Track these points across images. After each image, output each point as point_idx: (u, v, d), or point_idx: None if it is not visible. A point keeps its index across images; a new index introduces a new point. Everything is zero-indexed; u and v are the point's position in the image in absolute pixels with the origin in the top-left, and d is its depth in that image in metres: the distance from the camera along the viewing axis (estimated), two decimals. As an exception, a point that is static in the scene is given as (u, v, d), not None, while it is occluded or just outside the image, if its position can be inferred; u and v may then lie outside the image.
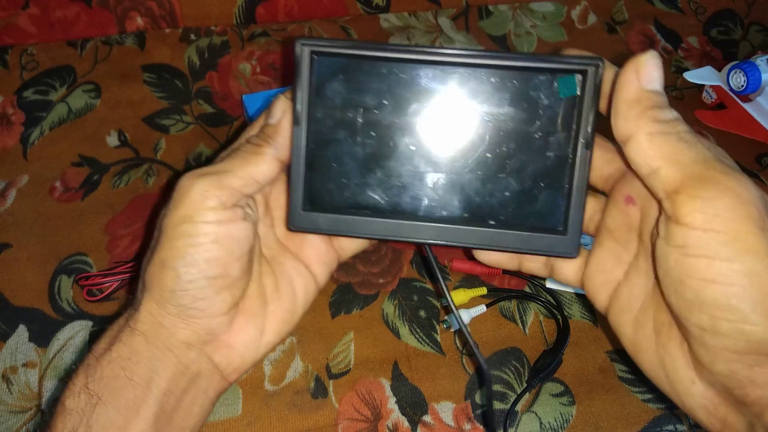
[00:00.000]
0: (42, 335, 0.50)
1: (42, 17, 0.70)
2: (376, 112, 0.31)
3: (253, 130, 0.33)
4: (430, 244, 0.32)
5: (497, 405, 0.49)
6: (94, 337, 0.50)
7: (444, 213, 0.32)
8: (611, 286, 0.31)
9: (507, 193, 0.32)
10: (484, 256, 0.35)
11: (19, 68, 0.67)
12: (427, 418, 0.48)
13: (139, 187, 0.59)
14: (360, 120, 0.31)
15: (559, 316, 0.53)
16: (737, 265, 0.24)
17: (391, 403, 0.49)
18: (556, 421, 0.48)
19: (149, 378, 0.29)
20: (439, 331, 0.52)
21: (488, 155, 0.31)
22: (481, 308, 0.53)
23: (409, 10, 0.79)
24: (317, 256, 0.35)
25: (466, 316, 0.52)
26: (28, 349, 0.49)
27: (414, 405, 0.49)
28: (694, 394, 0.27)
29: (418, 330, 0.52)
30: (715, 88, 0.70)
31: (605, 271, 0.32)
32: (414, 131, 0.31)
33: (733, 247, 0.24)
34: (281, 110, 0.31)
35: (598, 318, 0.54)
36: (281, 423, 0.47)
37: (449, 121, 0.31)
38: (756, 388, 0.25)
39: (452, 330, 0.52)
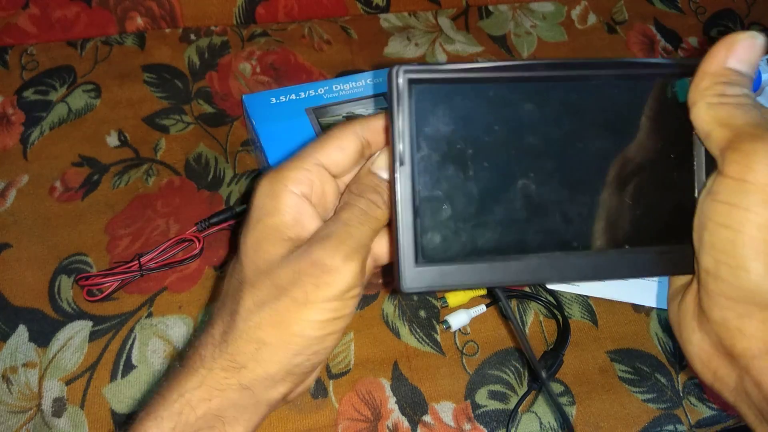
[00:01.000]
0: (42, 335, 0.50)
1: (42, 17, 0.70)
2: (487, 140, 0.28)
3: (331, 164, 0.30)
4: (567, 282, 0.30)
5: (497, 405, 0.49)
6: (94, 337, 0.50)
7: (576, 243, 0.29)
8: None
9: (639, 211, 0.29)
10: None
11: (19, 68, 0.67)
12: (427, 418, 0.48)
13: (139, 187, 0.59)
14: (470, 152, 0.28)
15: (559, 316, 0.53)
16: (753, 215, 0.25)
17: (391, 403, 0.49)
18: (556, 421, 0.48)
19: (241, 428, 0.30)
20: (439, 331, 0.52)
21: (615, 173, 0.29)
22: (481, 308, 0.53)
23: (409, 10, 0.79)
24: None
25: (465, 316, 0.52)
26: (28, 349, 0.49)
27: (414, 405, 0.49)
28: (693, 342, 0.29)
29: (418, 330, 0.52)
30: (715, 88, 0.70)
31: None
32: (531, 157, 0.28)
33: (755, 198, 0.25)
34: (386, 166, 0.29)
35: (599, 318, 0.54)
36: (281, 423, 0.47)
37: (568, 141, 0.28)
38: (743, 339, 0.26)
39: (452, 330, 0.52)
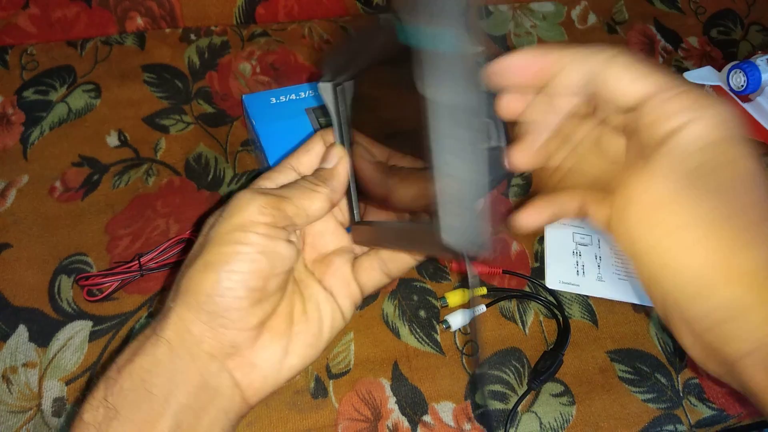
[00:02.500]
0: (42, 335, 0.50)
1: (42, 17, 0.70)
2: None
3: (301, 165, 0.35)
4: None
5: (497, 405, 0.49)
6: (94, 337, 0.50)
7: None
8: None
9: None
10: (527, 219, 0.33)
11: (19, 68, 0.67)
12: (427, 418, 0.48)
13: (139, 187, 0.59)
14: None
15: (559, 316, 0.53)
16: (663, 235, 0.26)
17: (391, 403, 0.49)
18: (556, 421, 0.48)
19: (168, 390, 0.29)
20: (439, 331, 0.52)
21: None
22: (481, 308, 0.53)
23: (409, 10, 0.79)
24: (340, 288, 0.35)
25: (465, 316, 0.52)
26: (28, 349, 0.49)
27: (414, 405, 0.49)
28: (687, 346, 0.28)
29: (418, 330, 0.52)
30: (715, 88, 0.70)
31: None
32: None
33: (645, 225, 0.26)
34: (337, 156, 0.34)
35: (599, 318, 0.54)
36: (281, 423, 0.47)
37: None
38: (725, 346, 0.25)
39: (452, 330, 0.52)
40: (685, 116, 0.25)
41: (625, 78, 0.26)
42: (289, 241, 0.32)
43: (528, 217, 0.33)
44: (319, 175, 0.34)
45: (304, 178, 0.34)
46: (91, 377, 0.48)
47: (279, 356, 0.32)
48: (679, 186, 0.25)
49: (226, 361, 0.31)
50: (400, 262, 0.35)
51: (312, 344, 0.34)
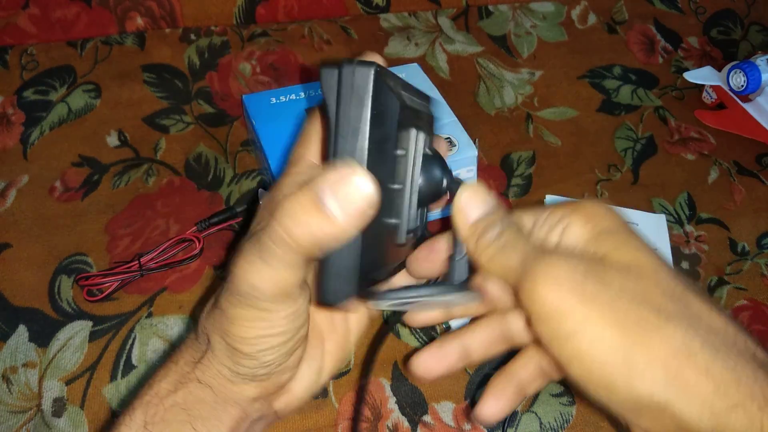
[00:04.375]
0: (42, 335, 0.50)
1: (42, 17, 0.70)
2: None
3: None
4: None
5: (497, 405, 0.49)
6: (94, 337, 0.50)
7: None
8: None
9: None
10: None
11: (19, 68, 0.67)
12: (427, 418, 0.48)
13: (139, 187, 0.59)
14: None
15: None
16: (580, 337, 0.25)
17: (391, 403, 0.49)
18: (556, 421, 0.48)
19: (213, 425, 0.29)
20: (439, 332, 0.53)
21: None
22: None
23: (409, 10, 0.79)
24: None
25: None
26: (28, 349, 0.49)
27: (414, 405, 0.49)
28: None
29: (418, 330, 0.52)
30: (715, 88, 0.70)
31: None
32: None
33: (563, 324, 0.25)
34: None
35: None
36: (281, 423, 0.47)
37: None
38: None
39: (452, 330, 0.52)
40: (563, 222, 0.27)
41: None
42: (304, 289, 0.29)
43: (490, 408, 0.32)
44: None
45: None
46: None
47: (314, 379, 0.32)
48: (569, 293, 0.24)
49: (268, 398, 0.31)
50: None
51: (341, 358, 0.33)
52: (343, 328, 0.34)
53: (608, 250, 0.26)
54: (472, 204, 0.28)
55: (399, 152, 0.28)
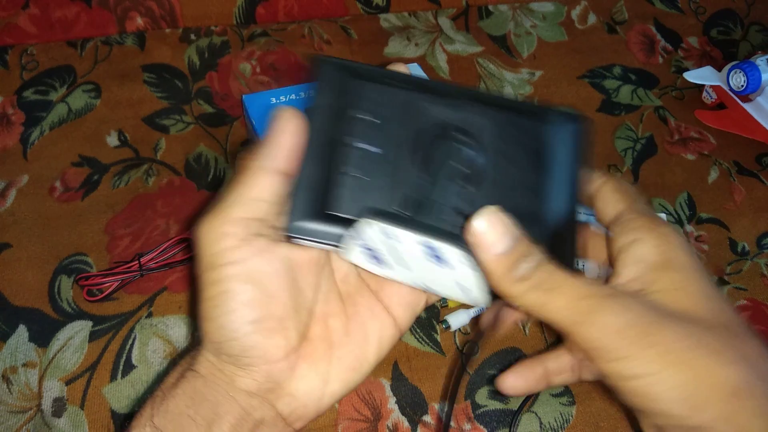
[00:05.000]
0: (42, 335, 0.50)
1: (42, 17, 0.70)
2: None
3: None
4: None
5: (497, 405, 0.49)
6: (94, 337, 0.50)
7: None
8: None
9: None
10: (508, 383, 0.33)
11: (19, 68, 0.67)
12: (427, 418, 0.48)
13: (139, 187, 0.59)
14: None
15: (559, 316, 0.53)
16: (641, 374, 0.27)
17: (391, 403, 0.49)
18: (556, 421, 0.48)
19: (211, 419, 0.29)
20: (439, 331, 0.52)
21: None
22: (481, 308, 0.53)
23: (409, 10, 0.79)
24: (399, 297, 0.32)
25: (465, 316, 0.52)
26: (28, 349, 0.49)
27: (414, 405, 0.49)
28: None
29: (418, 330, 0.52)
30: (715, 88, 0.70)
31: None
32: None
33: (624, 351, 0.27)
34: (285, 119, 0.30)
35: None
36: (281, 423, 0.47)
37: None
38: None
39: (452, 330, 0.52)
40: (633, 235, 0.29)
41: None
42: (270, 252, 0.28)
43: (514, 381, 0.33)
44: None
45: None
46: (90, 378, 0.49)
47: (318, 385, 0.30)
48: (630, 342, 0.26)
49: (266, 395, 0.30)
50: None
51: (355, 368, 0.31)
52: (360, 337, 0.32)
53: (671, 286, 0.27)
54: (493, 234, 0.27)
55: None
